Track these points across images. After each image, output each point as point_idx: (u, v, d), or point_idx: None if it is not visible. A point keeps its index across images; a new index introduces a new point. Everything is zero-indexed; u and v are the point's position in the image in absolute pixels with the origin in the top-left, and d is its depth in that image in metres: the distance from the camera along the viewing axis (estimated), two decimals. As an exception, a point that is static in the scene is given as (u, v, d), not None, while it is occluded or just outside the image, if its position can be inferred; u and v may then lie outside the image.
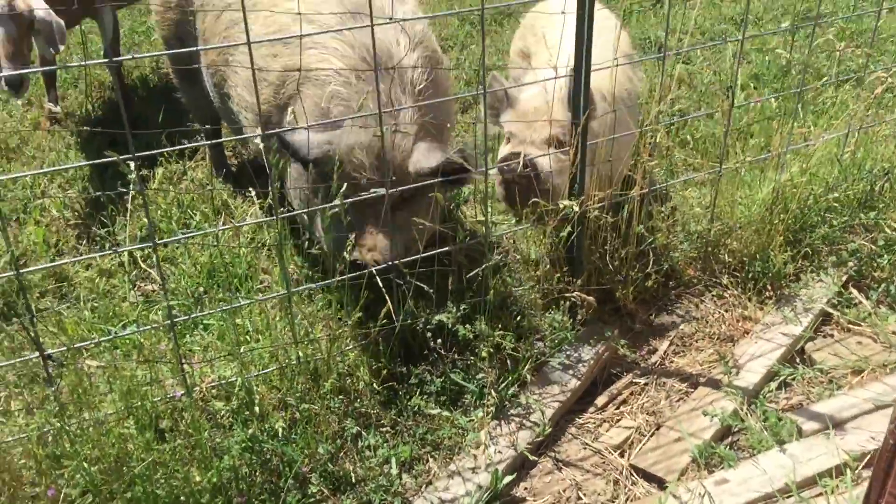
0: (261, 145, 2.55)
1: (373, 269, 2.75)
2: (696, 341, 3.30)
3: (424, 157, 2.87)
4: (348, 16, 3.03)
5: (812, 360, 3.18)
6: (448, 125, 3.21)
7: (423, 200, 2.95)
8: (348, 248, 2.75)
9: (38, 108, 5.00)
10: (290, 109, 2.99)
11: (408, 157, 2.88)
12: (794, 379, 3.07)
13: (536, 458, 2.81)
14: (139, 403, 2.60)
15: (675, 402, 3.01)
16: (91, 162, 2.49)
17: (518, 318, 3.18)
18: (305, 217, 3.02)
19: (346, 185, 2.62)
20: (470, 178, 2.93)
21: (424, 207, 2.96)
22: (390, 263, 2.80)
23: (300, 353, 2.78)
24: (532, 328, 3.16)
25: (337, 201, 2.60)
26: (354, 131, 2.82)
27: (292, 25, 3.05)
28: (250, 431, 2.63)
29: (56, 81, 4.93)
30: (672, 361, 3.21)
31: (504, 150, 3.27)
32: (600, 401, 3.04)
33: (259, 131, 3.27)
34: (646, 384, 3.10)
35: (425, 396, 2.90)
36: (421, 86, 2.98)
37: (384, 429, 2.85)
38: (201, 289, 3.47)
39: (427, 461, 2.77)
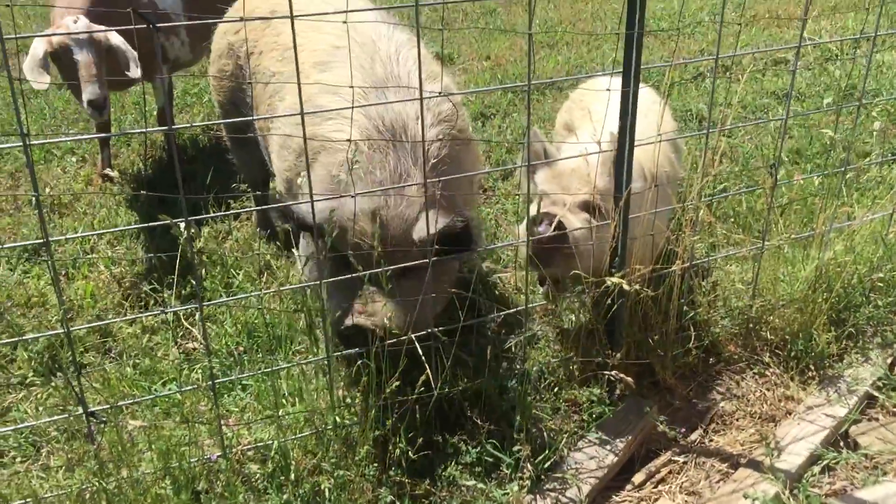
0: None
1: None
2: (737, 420, 3.24)
3: (427, 225, 2.84)
4: (372, 89, 3.09)
5: (856, 444, 3.10)
6: (465, 200, 3.19)
7: (436, 267, 2.89)
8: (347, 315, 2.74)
9: (91, 166, 5.16)
10: (302, 174, 3.07)
11: (412, 225, 2.88)
12: (837, 463, 2.99)
13: (572, 536, 2.76)
14: (176, 464, 2.62)
15: (714, 482, 2.95)
16: (147, 225, 2.56)
17: (556, 389, 3.17)
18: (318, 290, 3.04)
19: (349, 251, 2.67)
20: (475, 246, 2.90)
21: (433, 277, 2.90)
22: (430, 331, 2.80)
23: (336, 419, 2.79)
24: (570, 401, 3.14)
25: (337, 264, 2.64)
26: (359, 199, 2.85)
27: (318, 96, 3.17)
28: (285, 497, 2.63)
29: (110, 141, 5.09)
30: (712, 440, 3.15)
31: (535, 209, 3.26)
32: (638, 478, 2.99)
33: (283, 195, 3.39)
34: (685, 463, 3.05)
35: (460, 467, 2.88)
36: (435, 160, 3.00)
37: (418, 499, 2.82)
38: (241, 348, 3.51)
39: (460, 534, 2.74)
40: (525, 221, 3.25)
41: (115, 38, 4.14)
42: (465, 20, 8.21)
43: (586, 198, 3.08)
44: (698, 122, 5.69)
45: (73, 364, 2.47)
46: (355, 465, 2.76)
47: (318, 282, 2.67)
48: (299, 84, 2.35)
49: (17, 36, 2.32)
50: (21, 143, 2.19)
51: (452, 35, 7.49)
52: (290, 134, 3.20)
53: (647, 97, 3.38)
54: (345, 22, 2.83)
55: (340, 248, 2.84)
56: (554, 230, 2.89)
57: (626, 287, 2.85)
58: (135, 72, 4.15)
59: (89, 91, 4.00)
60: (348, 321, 2.76)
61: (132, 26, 3.65)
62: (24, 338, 2.87)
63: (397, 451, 2.88)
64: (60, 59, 4.08)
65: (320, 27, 3.42)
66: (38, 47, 3.99)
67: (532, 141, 3.23)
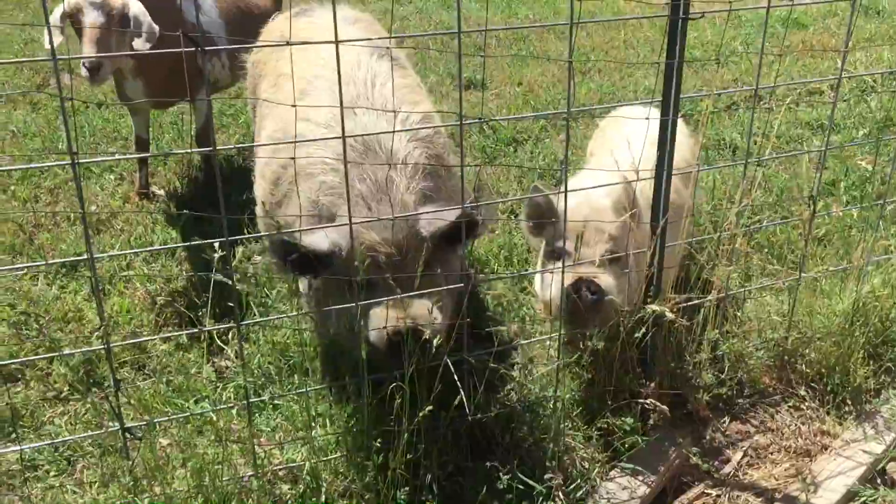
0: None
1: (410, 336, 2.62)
2: (772, 454, 3.20)
3: (437, 217, 2.80)
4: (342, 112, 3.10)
5: (893, 481, 3.05)
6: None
7: (444, 262, 2.86)
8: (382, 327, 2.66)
9: (129, 184, 5.24)
10: (282, 209, 3.08)
11: (416, 222, 2.83)
12: (874, 501, 2.94)
13: (603, 567, 2.73)
14: (209, 482, 2.63)
15: (749, 517, 2.92)
16: (187, 244, 2.59)
17: (588, 417, 3.14)
18: (329, 322, 2.98)
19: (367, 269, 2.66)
20: (481, 231, 2.85)
21: (447, 270, 2.86)
22: (466, 357, 2.79)
23: (370, 442, 2.79)
24: (602, 429, 3.11)
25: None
26: (362, 215, 2.81)
27: (291, 125, 3.16)
28: (316, 518, 2.63)
29: (148, 161, 5.16)
30: (746, 473, 3.11)
31: (540, 257, 3.21)
32: (670, 510, 2.96)
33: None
34: (718, 496, 3.01)
35: (491, 494, 2.86)
36: (414, 165, 2.98)
37: (448, 524, 2.81)
38: (273, 368, 3.53)
39: (490, 562, 2.72)
40: (539, 261, 3.22)
41: (135, 8, 4.16)
42: (499, 46, 8.26)
43: (609, 247, 3.04)
44: (732, 152, 5.67)
45: (113, 380, 2.50)
46: (386, 489, 2.76)
47: (357, 303, 2.68)
48: (342, 107, 2.37)
49: (70, 57, 2.37)
50: (70, 161, 2.23)
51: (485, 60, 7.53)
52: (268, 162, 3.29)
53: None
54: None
55: (345, 272, 2.74)
56: (594, 295, 2.85)
57: (668, 314, 2.83)
58: (141, 45, 4.14)
59: (85, 53, 4.03)
60: (393, 326, 2.66)
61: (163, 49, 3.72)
62: (64, 353, 2.90)
63: (428, 476, 2.88)
64: (74, 22, 4.12)
65: (309, 57, 3.48)
66: (57, 10, 4.08)
67: (534, 196, 3.17)
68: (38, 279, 4.19)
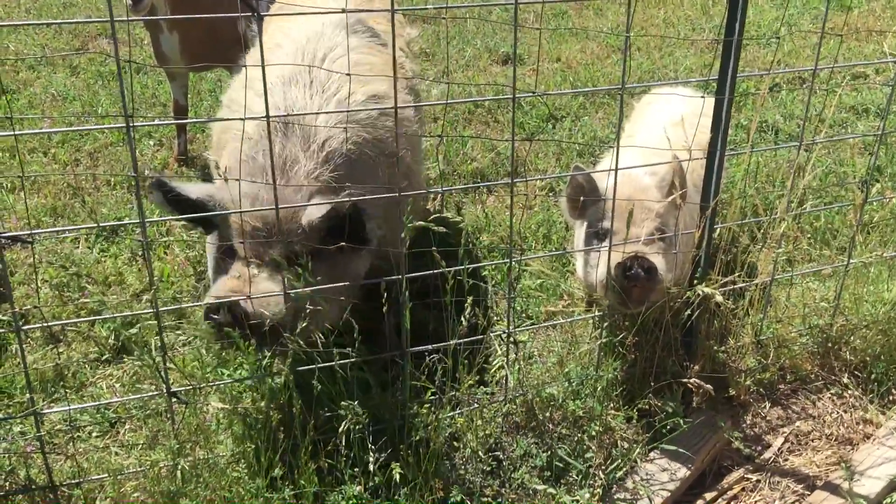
0: None
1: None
2: (813, 441, 3.17)
3: (316, 209, 2.76)
4: (285, 81, 3.07)
5: (938, 472, 3.01)
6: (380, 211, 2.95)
7: (325, 264, 2.76)
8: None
9: (168, 150, 5.25)
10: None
11: (301, 210, 2.80)
12: (918, 492, 2.91)
13: (641, 548, 2.72)
14: (252, 448, 2.65)
15: (789, 503, 2.89)
16: (233, 211, 2.59)
17: (629, 398, 3.13)
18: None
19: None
20: (369, 235, 2.78)
21: (326, 271, 2.76)
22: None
23: (410, 413, 2.79)
24: (643, 410, 3.09)
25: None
26: (242, 183, 2.78)
27: (236, 91, 3.26)
28: (357, 488, 2.64)
29: (186, 127, 5.17)
30: (787, 459, 3.08)
31: (581, 237, 3.18)
32: (709, 494, 2.94)
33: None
34: (758, 481, 2.98)
35: (530, 470, 2.86)
36: (331, 149, 2.92)
37: (486, 499, 2.81)
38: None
39: (529, 538, 2.72)
40: (578, 241, 3.18)
41: None
42: (537, 21, 8.16)
43: (656, 225, 2.99)
44: (774, 134, 5.59)
45: (161, 344, 2.52)
46: (427, 461, 2.76)
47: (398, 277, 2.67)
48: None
49: (130, 18, 2.36)
50: (125, 125, 2.24)
51: (522, 35, 7.45)
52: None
53: (696, 104, 3.29)
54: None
55: (226, 234, 2.83)
56: (647, 273, 2.79)
57: (718, 299, 2.79)
58: None
59: None
60: (213, 296, 2.62)
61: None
62: (114, 315, 2.92)
63: (468, 450, 2.88)
64: None
65: (282, 27, 3.48)
66: None
67: (576, 174, 3.10)
68: (78, 242, 4.22)
